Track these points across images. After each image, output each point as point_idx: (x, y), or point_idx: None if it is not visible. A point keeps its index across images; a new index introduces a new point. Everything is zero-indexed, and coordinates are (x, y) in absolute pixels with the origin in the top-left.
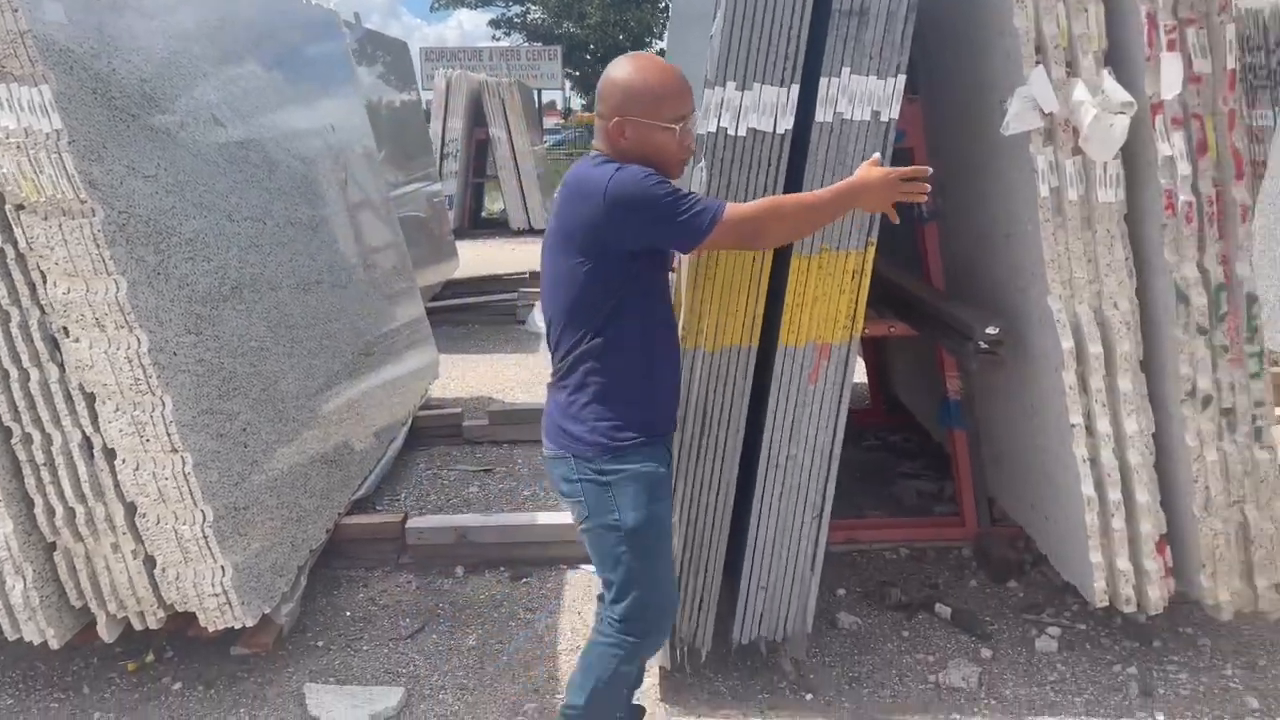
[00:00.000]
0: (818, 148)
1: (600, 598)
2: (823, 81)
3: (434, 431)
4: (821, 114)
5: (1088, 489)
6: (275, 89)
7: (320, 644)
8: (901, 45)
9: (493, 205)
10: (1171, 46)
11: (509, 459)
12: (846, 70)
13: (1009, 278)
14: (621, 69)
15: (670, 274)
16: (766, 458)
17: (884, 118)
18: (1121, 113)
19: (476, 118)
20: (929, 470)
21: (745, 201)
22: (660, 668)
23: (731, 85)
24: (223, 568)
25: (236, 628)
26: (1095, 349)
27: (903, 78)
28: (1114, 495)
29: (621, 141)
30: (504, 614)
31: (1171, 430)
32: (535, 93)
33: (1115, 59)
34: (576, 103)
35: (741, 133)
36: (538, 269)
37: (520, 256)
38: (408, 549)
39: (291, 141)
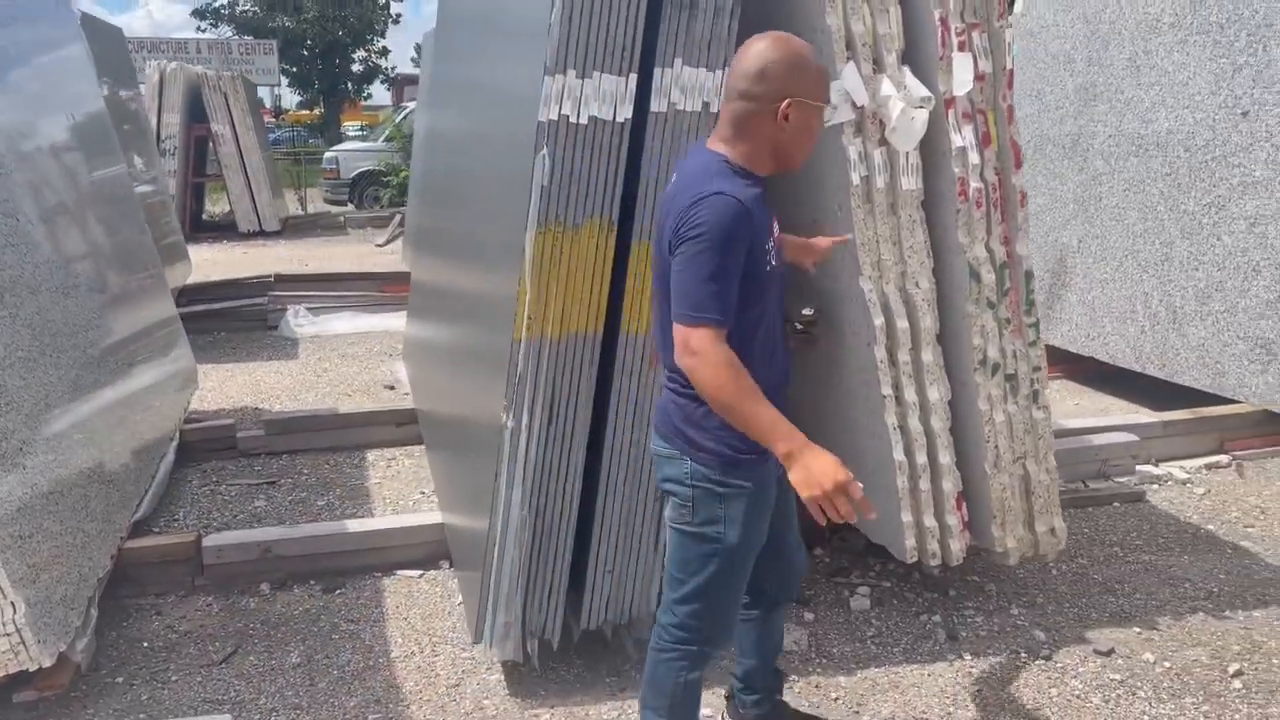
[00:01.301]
0: (653, 137)
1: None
2: (656, 72)
3: (204, 446)
4: (656, 104)
5: (899, 454)
6: (7, 73)
7: (120, 680)
8: (728, 39)
9: (215, 207)
10: (962, 47)
11: (292, 469)
12: (679, 61)
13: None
14: (782, 47)
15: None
16: (611, 443)
17: (714, 109)
18: (921, 107)
19: (194, 113)
20: None
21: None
22: (502, 663)
23: (572, 73)
24: (13, 604)
25: (31, 670)
26: (903, 324)
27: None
28: (921, 459)
29: (784, 126)
30: (324, 628)
31: (965, 396)
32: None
33: (911, 58)
34: (291, 100)
35: (583, 120)
36: (283, 272)
37: (256, 259)
38: (204, 570)
39: (30, 134)
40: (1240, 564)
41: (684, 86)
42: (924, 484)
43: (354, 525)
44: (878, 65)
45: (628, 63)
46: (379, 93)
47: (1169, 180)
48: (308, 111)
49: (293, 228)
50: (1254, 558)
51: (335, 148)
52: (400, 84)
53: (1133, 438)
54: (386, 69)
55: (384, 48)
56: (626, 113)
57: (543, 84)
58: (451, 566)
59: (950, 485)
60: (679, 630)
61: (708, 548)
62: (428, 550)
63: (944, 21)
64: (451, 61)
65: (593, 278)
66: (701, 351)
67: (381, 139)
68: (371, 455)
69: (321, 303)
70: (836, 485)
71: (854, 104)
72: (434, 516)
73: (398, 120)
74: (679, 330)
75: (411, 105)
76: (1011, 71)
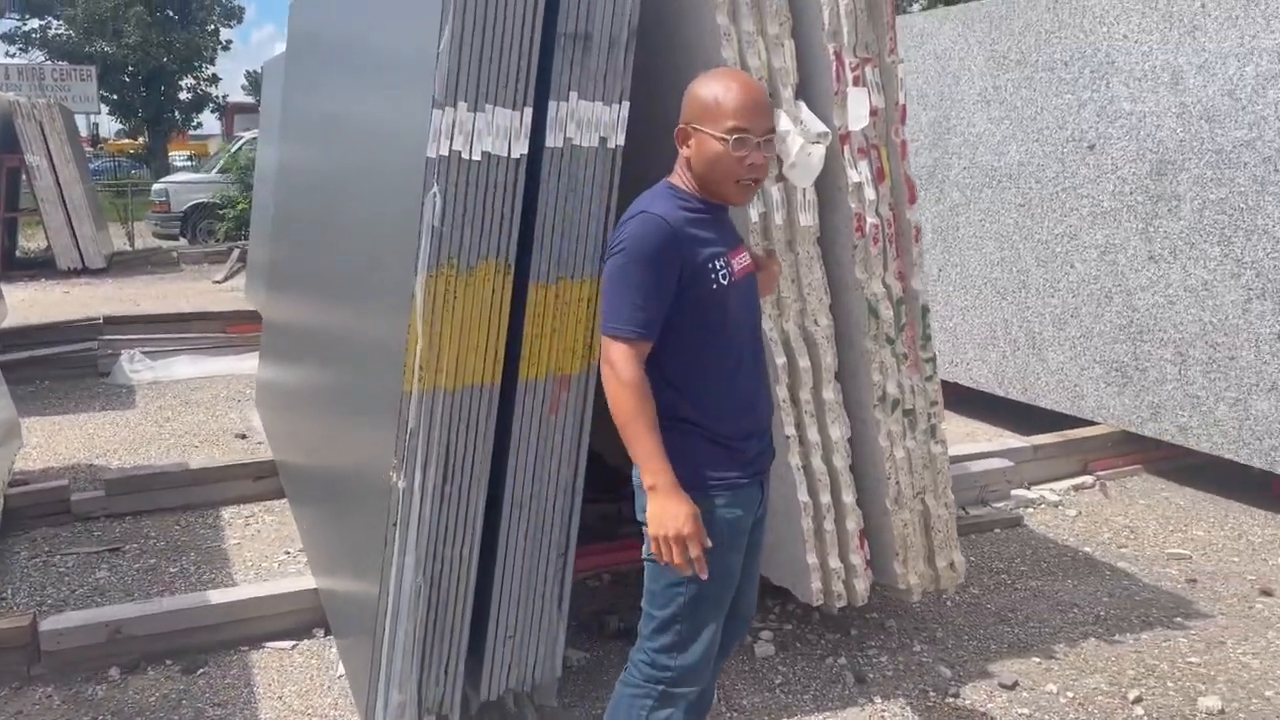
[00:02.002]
0: (549, 174)
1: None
2: (551, 105)
3: (33, 511)
4: (551, 139)
5: (803, 495)
6: None
7: None
8: (624, 71)
9: (30, 242)
10: (857, 82)
11: (137, 533)
12: (574, 95)
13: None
14: (698, 79)
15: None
16: (510, 498)
17: (611, 144)
18: (818, 142)
19: (5, 143)
20: (603, 494)
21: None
22: None
23: (463, 106)
24: None
25: None
26: (804, 362)
27: (627, 104)
28: (825, 499)
29: (684, 150)
30: (187, 715)
31: (865, 434)
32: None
33: (806, 93)
34: (111, 128)
35: (476, 156)
36: (114, 314)
37: (81, 299)
38: (42, 657)
39: None
40: (1120, 585)
41: (580, 121)
42: (828, 524)
43: (216, 596)
44: (774, 100)
45: (522, 95)
46: (208, 121)
47: (1023, 210)
48: (130, 140)
49: (120, 265)
50: (1132, 578)
51: (165, 179)
52: (231, 112)
53: (1008, 463)
54: (217, 97)
55: (214, 75)
56: (522, 148)
57: (431, 118)
58: (328, 635)
59: (854, 524)
60: (648, 667)
61: (673, 578)
62: (300, 619)
63: (838, 56)
64: (309, 91)
65: (489, 323)
66: (614, 364)
67: (215, 170)
68: (227, 513)
69: (159, 346)
70: (679, 534)
71: None
72: (306, 581)
73: (233, 150)
74: (603, 341)
75: (248, 135)
76: (904, 106)
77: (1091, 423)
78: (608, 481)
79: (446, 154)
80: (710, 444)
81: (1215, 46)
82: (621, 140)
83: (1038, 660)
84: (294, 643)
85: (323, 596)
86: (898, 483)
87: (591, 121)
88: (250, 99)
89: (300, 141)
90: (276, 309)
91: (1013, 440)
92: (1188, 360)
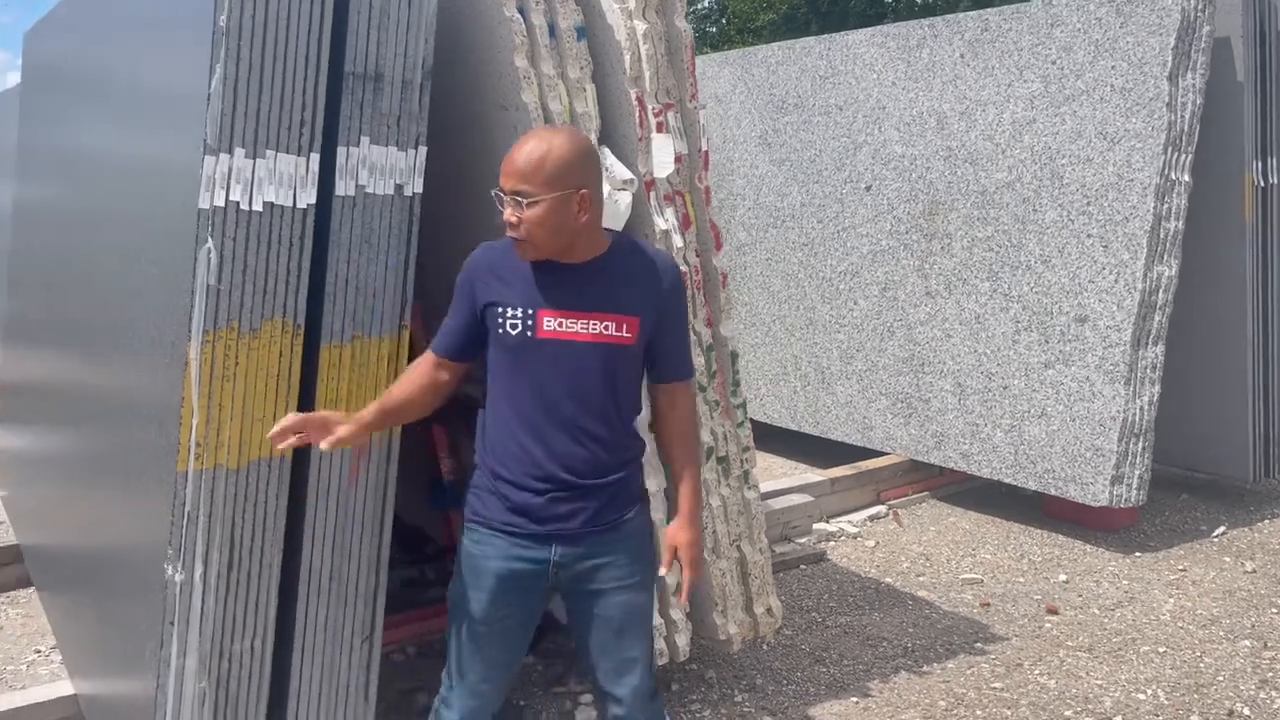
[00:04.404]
0: (340, 224)
1: None
2: (340, 150)
3: None
4: (342, 186)
5: None
6: None
7: None
8: (420, 114)
9: None
10: (660, 128)
11: None
12: (365, 140)
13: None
14: None
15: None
16: (308, 580)
17: (408, 191)
18: (624, 189)
19: None
20: (404, 554)
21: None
22: None
23: (240, 152)
24: None
25: None
26: None
27: (424, 149)
28: None
29: None
30: None
31: None
32: None
33: (609, 138)
34: None
35: (256, 207)
36: None
37: None
38: None
39: None
40: (922, 615)
41: (372, 167)
42: None
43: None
44: None
45: (308, 140)
46: None
47: (806, 250)
48: None
49: None
50: (932, 606)
51: None
52: None
53: (809, 498)
54: None
55: None
56: (309, 197)
57: (203, 164)
58: None
59: (673, 579)
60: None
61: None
62: None
63: (640, 101)
64: (52, 126)
65: (277, 390)
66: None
67: None
68: None
69: None
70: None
71: None
72: (63, 687)
73: None
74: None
75: None
76: (707, 153)
77: (881, 453)
78: (407, 542)
79: (223, 204)
80: (487, 480)
81: (974, 94)
82: (419, 187)
83: (855, 700)
84: None
85: (84, 703)
86: (715, 531)
87: (385, 167)
88: None
89: (43, 181)
90: (18, 367)
91: (811, 475)
92: (965, 390)
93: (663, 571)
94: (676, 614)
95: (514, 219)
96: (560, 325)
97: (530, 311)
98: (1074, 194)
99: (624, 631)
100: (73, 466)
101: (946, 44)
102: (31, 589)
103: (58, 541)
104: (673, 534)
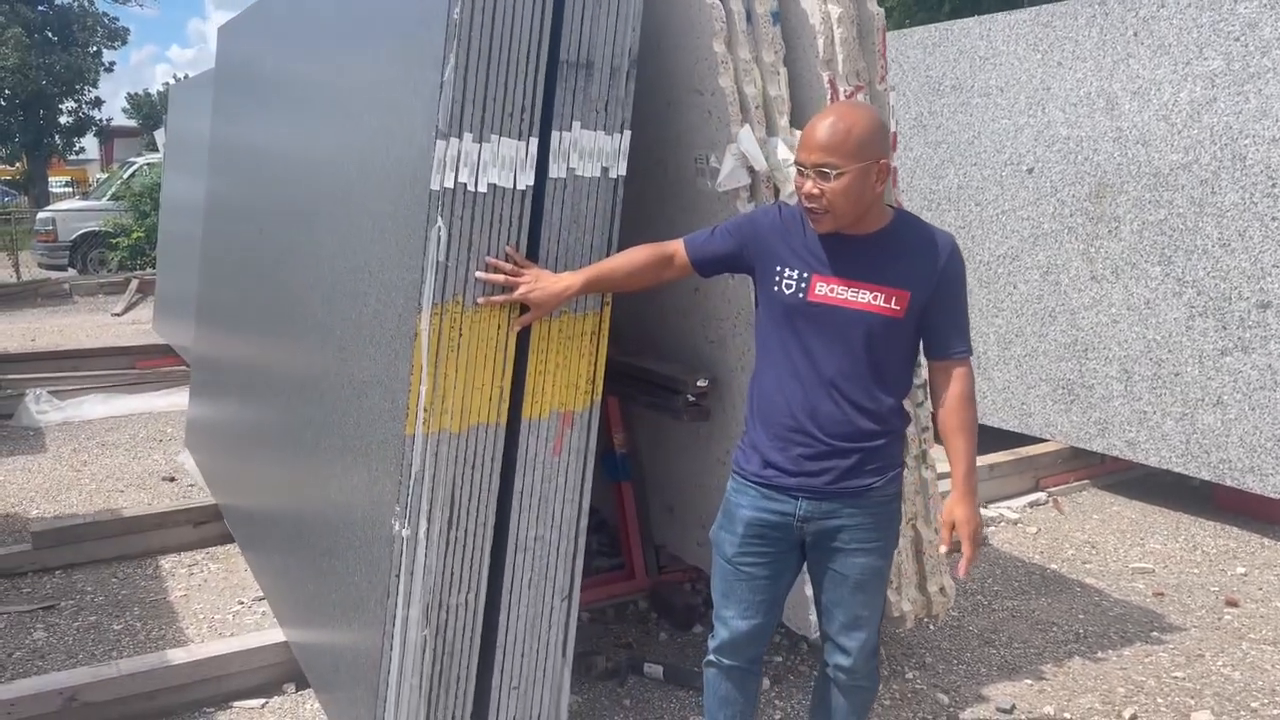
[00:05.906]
0: (553, 205)
1: None
2: (554, 135)
3: None
4: (555, 169)
5: None
6: None
7: None
8: (626, 100)
9: None
10: None
11: (71, 589)
12: (577, 124)
13: (700, 329)
14: None
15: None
16: (515, 542)
17: (613, 174)
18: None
19: None
20: None
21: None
22: None
23: (469, 137)
24: None
25: None
26: None
27: (629, 134)
28: None
29: None
30: None
31: None
32: None
33: (799, 122)
34: None
35: (482, 189)
36: (10, 350)
37: None
38: None
39: None
40: (1092, 601)
41: (582, 151)
42: None
43: (179, 655)
44: (769, 128)
45: (528, 125)
46: (91, 146)
47: (963, 233)
48: (6, 167)
49: (6, 298)
50: (1102, 594)
51: (50, 207)
52: (111, 137)
53: None
54: (99, 120)
55: (96, 98)
56: (528, 179)
57: (434, 148)
58: (299, 690)
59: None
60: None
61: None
62: (270, 674)
63: (832, 84)
64: (250, 121)
65: (494, 361)
66: None
67: (107, 197)
68: (167, 563)
69: (64, 384)
70: None
71: (750, 168)
72: (274, 634)
73: (126, 176)
74: None
75: (141, 160)
76: (895, 134)
77: (1039, 439)
78: None
79: (451, 186)
80: (750, 434)
81: (1148, 74)
82: (623, 170)
83: (1029, 682)
84: (264, 700)
85: (297, 650)
86: None
87: (594, 151)
88: (131, 122)
89: (238, 173)
90: (211, 346)
91: None
92: (1133, 377)
93: (942, 550)
94: None
95: (815, 190)
96: (831, 291)
97: (805, 275)
98: (1258, 175)
99: (860, 590)
100: (282, 435)
101: (1119, 22)
102: (228, 545)
103: (258, 502)
104: (949, 510)
